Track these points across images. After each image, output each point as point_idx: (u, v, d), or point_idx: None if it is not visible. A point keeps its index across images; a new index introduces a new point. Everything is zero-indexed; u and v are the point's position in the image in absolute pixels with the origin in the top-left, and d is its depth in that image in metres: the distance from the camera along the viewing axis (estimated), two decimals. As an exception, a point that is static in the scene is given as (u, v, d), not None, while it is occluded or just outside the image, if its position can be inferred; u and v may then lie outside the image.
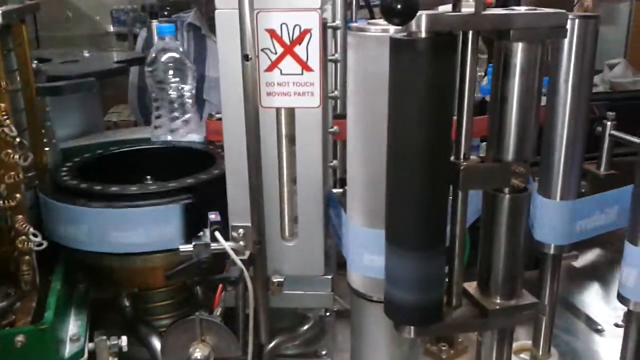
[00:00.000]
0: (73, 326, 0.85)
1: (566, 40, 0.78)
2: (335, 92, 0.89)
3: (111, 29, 3.18)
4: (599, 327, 1.05)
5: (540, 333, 0.91)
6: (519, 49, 0.65)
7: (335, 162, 0.96)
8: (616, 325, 1.05)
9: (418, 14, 0.59)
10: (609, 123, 1.28)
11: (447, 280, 0.72)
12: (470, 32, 0.64)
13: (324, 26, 0.77)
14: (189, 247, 0.76)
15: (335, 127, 0.89)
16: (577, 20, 0.77)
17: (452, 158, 0.69)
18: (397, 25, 0.59)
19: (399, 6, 0.57)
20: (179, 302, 0.97)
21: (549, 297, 0.89)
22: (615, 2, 5.61)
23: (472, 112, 0.68)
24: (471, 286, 0.77)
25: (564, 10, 0.64)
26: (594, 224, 0.84)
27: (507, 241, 0.73)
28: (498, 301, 0.73)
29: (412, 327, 0.70)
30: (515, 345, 0.95)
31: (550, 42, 0.81)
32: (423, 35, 0.59)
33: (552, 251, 0.87)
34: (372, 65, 0.68)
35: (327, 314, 0.95)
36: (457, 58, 0.63)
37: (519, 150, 0.69)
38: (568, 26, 0.78)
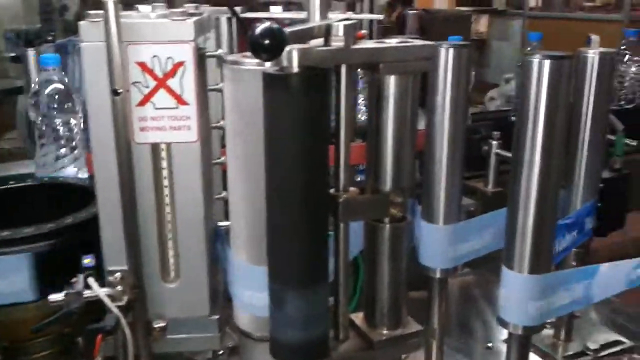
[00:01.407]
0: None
1: (441, 69, 0.80)
2: (222, 122, 0.87)
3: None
4: (489, 345, 1.08)
5: (430, 356, 0.92)
6: (391, 81, 0.66)
7: (225, 193, 0.93)
8: (505, 341, 1.09)
9: (289, 48, 0.58)
10: (494, 142, 1.34)
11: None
12: (344, 66, 0.64)
13: (203, 56, 0.75)
14: (59, 297, 0.71)
15: (223, 158, 0.86)
16: (451, 50, 0.80)
17: (332, 190, 0.69)
18: (266, 60, 0.58)
19: (267, 42, 0.56)
20: (59, 352, 0.90)
21: (437, 320, 0.91)
22: (507, 19, 5.99)
23: (350, 144, 0.68)
24: (358, 317, 0.77)
25: (433, 43, 0.65)
26: (473, 246, 0.86)
27: (390, 271, 0.73)
28: (383, 331, 0.74)
29: (299, 365, 0.68)
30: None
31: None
32: (294, 70, 0.59)
33: (438, 275, 0.88)
34: (248, 99, 0.67)
35: (221, 352, 0.91)
36: (329, 91, 0.63)
37: (396, 179, 0.69)
38: (442, 55, 0.81)
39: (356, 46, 0.61)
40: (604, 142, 0.93)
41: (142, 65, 0.68)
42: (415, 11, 6.73)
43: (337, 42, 0.61)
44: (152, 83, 0.69)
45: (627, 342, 1.04)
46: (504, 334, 1.09)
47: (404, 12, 6.71)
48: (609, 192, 0.98)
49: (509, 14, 6.03)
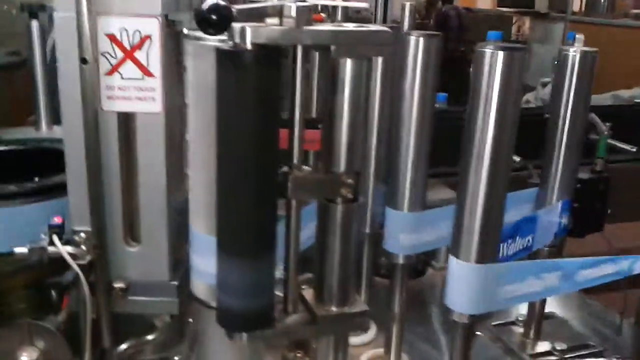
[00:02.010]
0: None
1: (410, 57, 0.81)
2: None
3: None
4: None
5: (391, 340, 0.94)
6: (346, 64, 0.67)
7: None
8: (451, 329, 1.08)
9: (242, 25, 0.60)
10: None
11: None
12: (300, 46, 0.66)
13: (178, 32, 0.77)
14: (24, 250, 0.75)
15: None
16: (421, 38, 0.81)
17: (285, 169, 0.71)
18: (212, 35, 0.60)
19: (213, 17, 0.58)
20: (35, 306, 0.95)
21: (398, 304, 0.92)
22: (549, 22, 5.87)
23: (304, 124, 0.70)
24: (309, 293, 0.79)
25: (387, 29, 0.66)
26: (438, 235, 0.87)
27: (340, 250, 0.75)
28: (330, 308, 0.75)
29: (243, 334, 0.71)
30: (368, 354, 0.97)
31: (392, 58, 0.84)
32: (247, 47, 0.61)
33: (401, 261, 0.90)
34: (208, 74, 0.69)
35: (191, 320, 0.94)
36: (280, 70, 0.65)
37: (349, 161, 0.71)
38: (412, 43, 0.82)
39: (308, 27, 0.63)
40: (581, 142, 0.93)
41: (111, 37, 0.71)
42: (454, 10, 6.66)
43: (291, 23, 0.62)
44: (120, 54, 0.72)
45: (596, 347, 1.03)
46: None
47: (444, 9, 6.65)
48: (586, 193, 0.97)
49: (551, 17, 5.91)
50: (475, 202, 0.69)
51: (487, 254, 0.71)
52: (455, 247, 0.72)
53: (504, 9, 6.85)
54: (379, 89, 0.90)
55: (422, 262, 1.24)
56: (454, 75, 1.82)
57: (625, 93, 2.23)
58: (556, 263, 0.80)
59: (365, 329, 0.81)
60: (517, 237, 0.79)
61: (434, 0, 6.71)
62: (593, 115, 1.01)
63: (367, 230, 0.97)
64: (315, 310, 0.74)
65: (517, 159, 1.23)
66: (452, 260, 0.73)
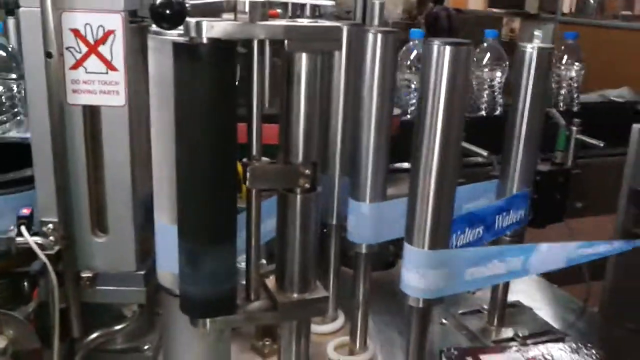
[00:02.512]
0: None
1: (368, 54, 0.84)
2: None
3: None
4: (444, 321, 1.11)
5: (356, 328, 0.97)
6: (301, 59, 0.70)
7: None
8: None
9: (197, 20, 0.63)
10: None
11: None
12: (256, 41, 0.69)
13: (143, 27, 0.79)
14: (-8, 240, 0.77)
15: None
16: (379, 34, 0.83)
17: (245, 160, 0.73)
18: (167, 29, 0.63)
19: (167, 11, 0.60)
20: (9, 297, 0.97)
21: (362, 293, 0.95)
22: (539, 23, 5.93)
23: (261, 117, 0.72)
24: (271, 281, 0.81)
25: (338, 25, 0.69)
26: (394, 226, 0.90)
27: (300, 238, 0.77)
28: (292, 295, 0.78)
29: (206, 320, 0.73)
30: (334, 342, 1.00)
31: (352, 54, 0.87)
32: (203, 40, 0.63)
33: (364, 250, 0.93)
34: (168, 69, 0.71)
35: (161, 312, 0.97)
36: (236, 64, 0.67)
37: (306, 152, 0.73)
38: (370, 39, 0.84)
39: (262, 22, 0.65)
40: (539, 135, 0.96)
41: (75, 31, 0.73)
42: (445, 10, 6.69)
43: (245, 18, 0.65)
44: (84, 49, 0.74)
45: (558, 332, 1.06)
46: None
47: (434, 10, 6.67)
48: (545, 184, 1.00)
49: (541, 18, 5.96)
50: (426, 190, 0.72)
51: (440, 240, 0.74)
52: (409, 234, 0.75)
53: (495, 10, 6.90)
54: (343, 84, 0.93)
55: (393, 255, 1.26)
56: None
57: (612, 92, 2.27)
58: (508, 248, 0.82)
59: (324, 314, 0.84)
60: (467, 229, 0.81)
61: (424, 0, 6.76)
62: (553, 111, 1.04)
63: (334, 221, 0.99)
64: (277, 297, 0.77)
65: (484, 153, 1.27)
66: (407, 246, 0.76)
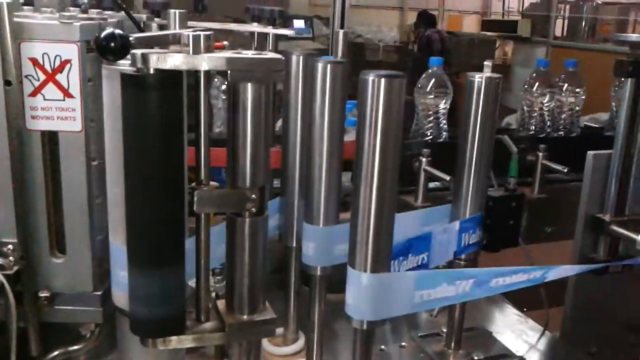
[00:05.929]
0: None
1: (318, 83, 0.88)
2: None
3: None
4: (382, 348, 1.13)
5: (312, 350, 0.99)
6: (246, 88, 0.73)
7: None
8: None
9: (142, 52, 0.66)
10: (424, 159, 1.41)
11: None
12: (202, 71, 0.72)
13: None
14: (-49, 260, 0.80)
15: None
16: (328, 65, 0.87)
17: (193, 184, 0.76)
18: (112, 61, 0.66)
19: (111, 44, 0.64)
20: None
21: (317, 314, 0.97)
22: (532, 46, 6.01)
23: (208, 143, 0.76)
24: (222, 303, 0.84)
25: (280, 56, 0.72)
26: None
27: (248, 261, 0.80)
28: (241, 316, 0.80)
29: (156, 340, 0.76)
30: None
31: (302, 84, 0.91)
32: (150, 71, 0.67)
33: (318, 273, 0.95)
34: (119, 97, 0.75)
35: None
36: (182, 93, 0.71)
37: (253, 177, 0.76)
38: (319, 69, 0.88)
39: (206, 54, 0.69)
40: (489, 161, 0.99)
41: (34, 60, 0.77)
42: (437, 33, 6.76)
43: (188, 50, 0.69)
44: (42, 77, 0.78)
45: (515, 356, 1.08)
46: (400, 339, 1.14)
47: (428, 33, 6.75)
48: (498, 209, 1.03)
49: (534, 41, 6.04)
50: (366, 217, 0.75)
51: (381, 264, 0.77)
52: (351, 258, 0.78)
53: (488, 33, 6.99)
54: (300, 112, 0.96)
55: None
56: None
57: (602, 116, 2.30)
58: (454, 272, 0.85)
59: (272, 336, 0.86)
60: (410, 255, 0.84)
61: (418, 23, 6.84)
62: (505, 137, 1.07)
63: (293, 244, 1.02)
64: (225, 319, 0.79)
65: (446, 177, 1.30)
66: (349, 270, 0.78)
